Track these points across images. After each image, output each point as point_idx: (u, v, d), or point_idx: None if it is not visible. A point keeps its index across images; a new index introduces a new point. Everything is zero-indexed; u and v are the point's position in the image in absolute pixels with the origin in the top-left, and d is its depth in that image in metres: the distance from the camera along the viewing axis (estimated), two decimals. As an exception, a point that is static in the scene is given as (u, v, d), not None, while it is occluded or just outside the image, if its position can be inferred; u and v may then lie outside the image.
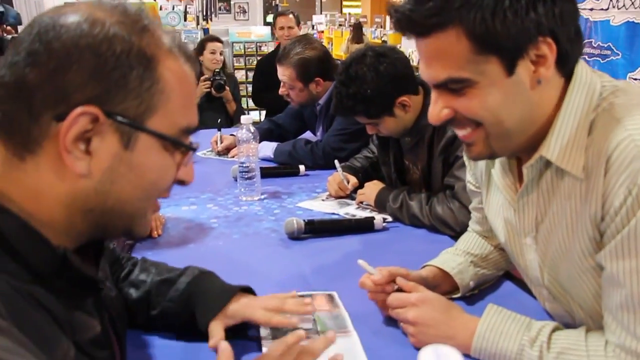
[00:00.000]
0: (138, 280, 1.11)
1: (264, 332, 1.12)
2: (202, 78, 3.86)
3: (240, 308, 1.07)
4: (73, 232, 0.69)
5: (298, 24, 4.36)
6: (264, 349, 1.06)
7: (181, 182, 0.77)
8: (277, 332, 1.10)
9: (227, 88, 3.95)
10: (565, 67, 0.89)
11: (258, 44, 7.63)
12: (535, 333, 0.97)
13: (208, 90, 3.87)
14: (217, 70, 3.92)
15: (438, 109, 0.92)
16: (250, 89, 5.36)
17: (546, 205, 0.98)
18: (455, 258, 1.30)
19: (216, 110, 3.87)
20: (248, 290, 1.14)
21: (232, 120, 3.98)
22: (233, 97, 4.08)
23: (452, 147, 1.72)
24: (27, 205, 0.65)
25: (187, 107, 0.73)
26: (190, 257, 1.54)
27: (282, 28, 4.27)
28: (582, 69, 0.91)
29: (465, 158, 1.28)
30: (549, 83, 0.89)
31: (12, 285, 0.61)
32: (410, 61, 1.85)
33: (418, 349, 0.97)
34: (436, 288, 1.22)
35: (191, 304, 1.07)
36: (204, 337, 1.05)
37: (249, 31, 7.74)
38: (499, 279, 1.38)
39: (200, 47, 4.03)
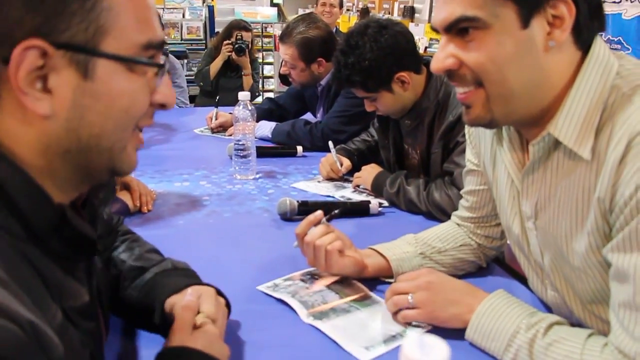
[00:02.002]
0: (119, 258, 1.06)
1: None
2: (225, 42, 3.87)
3: (197, 288, 0.98)
4: (58, 180, 0.65)
5: (341, 6, 4.32)
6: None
7: (161, 106, 0.71)
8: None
9: (247, 55, 3.94)
10: (581, 38, 0.85)
11: (264, 24, 7.54)
12: (535, 320, 0.94)
13: (230, 53, 3.88)
14: (240, 34, 3.90)
15: (443, 56, 0.88)
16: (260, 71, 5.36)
17: (549, 189, 0.94)
18: (405, 246, 1.28)
19: (231, 90, 3.83)
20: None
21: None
22: (253, 78, 4.08)
23: (453, 132, 1.68)
24: (18, 155, 0.61)
25: (143, 21, 0.65)
26: (179, 234, 1.51)
27: (324, 4, 4.22)
28: (600, 46, 0.87)
29: (467, 136, 1.23)
30: (562, 50, 0.84)
31: (8, 241, 0.58)
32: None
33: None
34: (366, 269, 1.23)
35: (150, 295, 0.98)
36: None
37: (255, 11, 7.65)
38: (498, 273, 1.35)
39: (227, 33, 3.99)
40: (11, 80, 0.58)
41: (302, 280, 1.23)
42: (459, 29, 0.85)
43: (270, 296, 1.18)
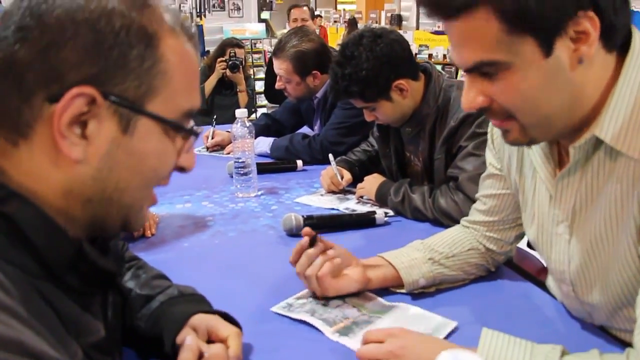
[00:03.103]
0: (125, 287, 1.03)
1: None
2: (218, 60, 3.89)
3: (205, 317, 0.96)
4: (71, 224, 0.64)
5: (313, 17, 4.34)
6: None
7: (181, 169, 0.72)
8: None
9: (242, 71, 3.95)
10: (612, 41, 0.82)
11: (253, 41, 7.56)
12: (542, 359, 0.85)
13: (224, 71, 3.88)
14: (233, 52, 3.91)
15: (472, 96, 0.85)
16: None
17: (589, 190, 0.91)
18: (413, 252, 1.25)
19: (227, 108, 3.83)
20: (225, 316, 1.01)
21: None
22: (247, 94, 4.09)
23: (455, 137, 1.66)
24: (36, 193, 0.60)
25: (190, 89, 0.68)
26: (185, 256, 1.48)
27: (295, 20, 4.25)
28: (639, 42, 0.84)
29: (489, 140, 1.20)
30: (593, 61, 0.81)
31: (24, 279, 0.57)
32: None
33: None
34: (370, 282, 1.20)
35: (159, 324, 0.96)
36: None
37: (243, 28, 7.67)
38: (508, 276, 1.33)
39: (221, 51, 4.00)
40: (54, 121, 0.58)
41: (316, 298, 1.21)
42: (481, 71, 0.83)
43: (287, 317, 1.15)
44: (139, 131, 0.63)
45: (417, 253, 1.25)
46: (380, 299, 1.19)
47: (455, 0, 0.78)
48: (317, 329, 1.09)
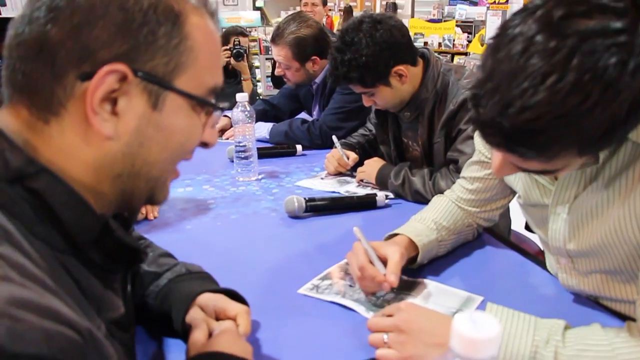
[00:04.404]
0: None
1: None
2: (223, 48, 3.85)
3: (212, 297, 0.98)
4: (100, 201, 0.66)
5: (325, 3, 4.29)
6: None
7: (205, 145, 0.75)
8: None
9: (246, 60, 3.93)
10: None
11: (248, 29, 7.52)
12: (546, 333, 0.87)
13: (228, 59, 3.86)
14: (237, 40, 3.90)
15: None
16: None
17: (593, 170, 0.93)
18: (429, 233, 1.27)
19: (231, 97, 3.82)
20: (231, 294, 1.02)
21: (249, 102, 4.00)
22: (251, 82, 4.08)
23: (454, 120, 1.68)
24: (66, 169, 0.61)
25: (214, 66, 0.70)
26: (188, 239, 1.50)
27: (306, 4, 4.20)
28: None
29: None
30: None
31: (50, 253, 0.58)
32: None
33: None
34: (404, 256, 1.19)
35: (167, 301, 0.99)
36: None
37: (238, 16, 7.61)
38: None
39: (225, 40, 3.98)
40: (87, 99, 0.59)
41: (342, 279, 1.22)
42: None
43: (316, 298, 1.15)
44: (167, 107, 0.65)
45: (432, 234, 1.28)
46: (403, 277, 1.18)
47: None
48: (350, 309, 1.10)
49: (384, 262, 1.12)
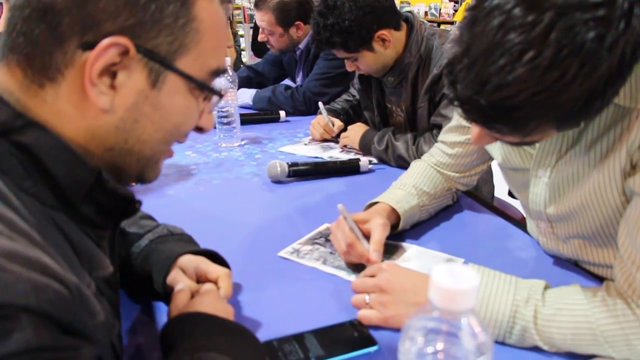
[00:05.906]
0: None
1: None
2: None
3: (194, 259, 0.97)
4: (93, 159, 0.64)
5: None
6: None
7: (200, 129, 0.73)
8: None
9: (229, 26, 3.87)
10: None
11: (232, -4, 7.41)
12: (526, 293, 0.88)
13: None
14: None
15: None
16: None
17: (575, 133, 0.93)
18: (410, 199, 1.27)
19: None
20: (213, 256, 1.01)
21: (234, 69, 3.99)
22: (235, 50, 4.02)
23: (438, 85, 1.67)
24: (56, 128, 0.60)
25: (218, 49, 0.69)
26: (170, 203, 1.49)
27: None
28: None
29: None
30: None
31: (39, 209, 0.57)
32: None
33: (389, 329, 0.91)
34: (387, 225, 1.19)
35: (148, 262, 0.98)
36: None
37: (222, -17, 7.50)
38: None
39: None
40: (86, 69, 0.58)
41: (321, 245, 1.21)
42: None
43: (296, 262, 1.15)
44: (166, 87, 0.63)
45: (412, 199, 1.27)
46: (385, 241, 1.16)
47: None
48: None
49: (367, 237, 1.12)
